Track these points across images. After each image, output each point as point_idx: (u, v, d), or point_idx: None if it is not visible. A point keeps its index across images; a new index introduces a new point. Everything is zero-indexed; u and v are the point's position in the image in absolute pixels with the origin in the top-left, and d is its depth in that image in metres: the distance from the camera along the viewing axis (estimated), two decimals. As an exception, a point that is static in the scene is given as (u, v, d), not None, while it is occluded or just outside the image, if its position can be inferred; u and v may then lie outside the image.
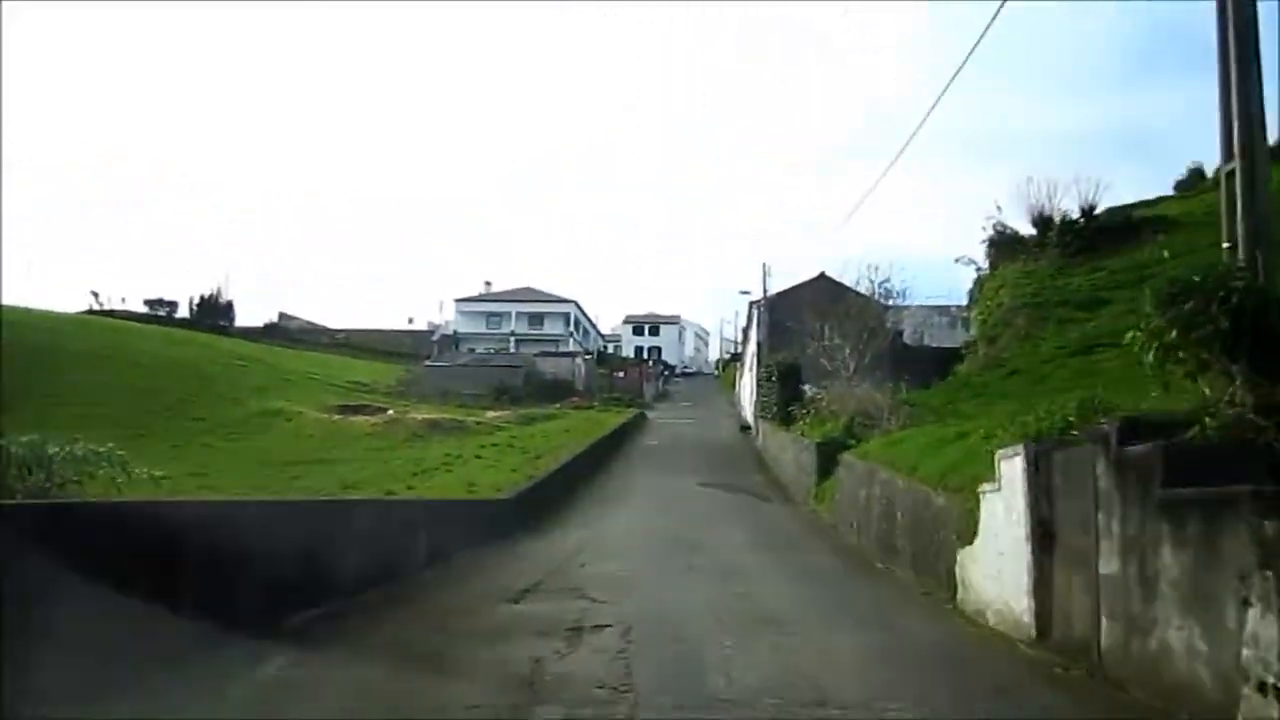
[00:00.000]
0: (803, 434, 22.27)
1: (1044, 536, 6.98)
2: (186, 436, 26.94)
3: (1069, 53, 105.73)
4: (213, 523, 6.97)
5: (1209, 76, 6.45)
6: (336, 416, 34.30)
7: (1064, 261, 35.40)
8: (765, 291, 37.85)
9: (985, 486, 8.12)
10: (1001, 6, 11.63)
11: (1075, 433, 7.19)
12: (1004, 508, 7.66)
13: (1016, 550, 7.34)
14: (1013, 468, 7.43)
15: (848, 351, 29.31)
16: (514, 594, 9.04)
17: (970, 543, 8.50)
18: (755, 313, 39.98)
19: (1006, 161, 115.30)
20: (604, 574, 10.58)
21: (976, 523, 8.33)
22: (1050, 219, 39.14)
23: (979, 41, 12.95)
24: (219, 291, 69.55)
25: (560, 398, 45.53)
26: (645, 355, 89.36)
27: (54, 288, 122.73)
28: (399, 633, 7.21)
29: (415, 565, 10.19)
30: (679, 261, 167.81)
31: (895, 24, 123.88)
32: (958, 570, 8.88)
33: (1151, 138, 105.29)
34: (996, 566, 7.83)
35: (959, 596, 8.82)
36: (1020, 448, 7.28)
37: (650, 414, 46.24)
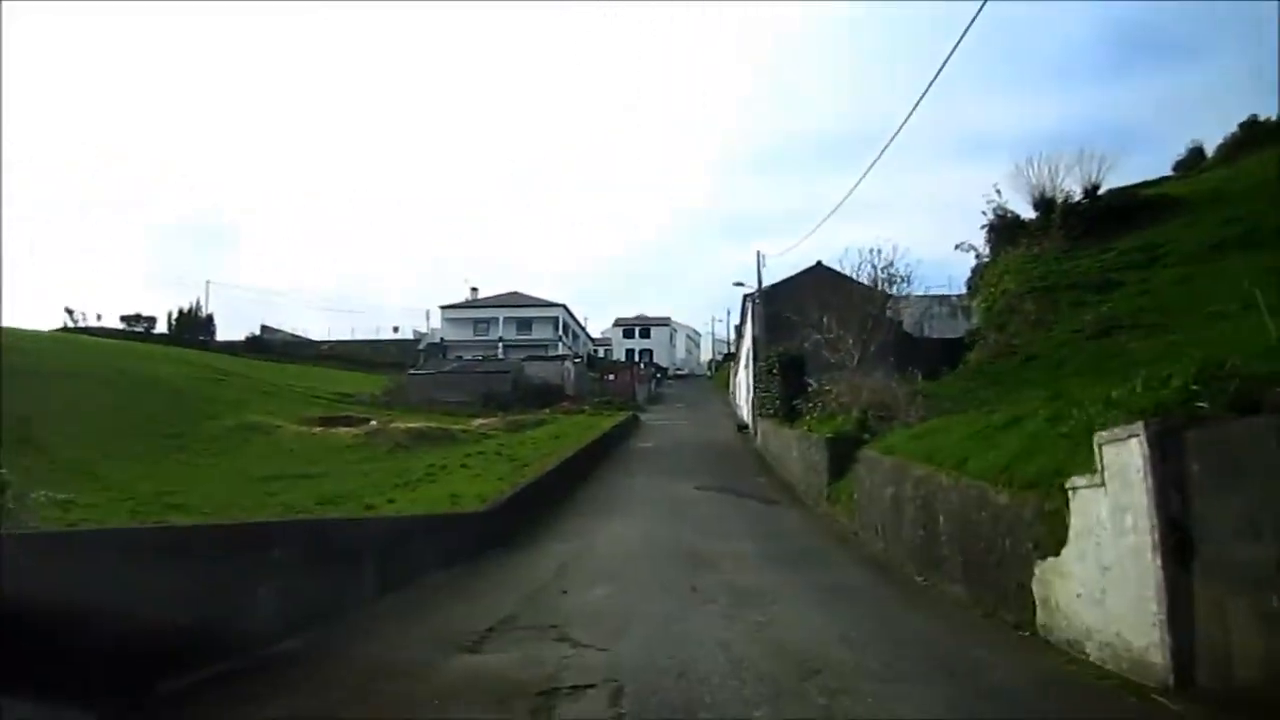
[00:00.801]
0: (810, 430, 20.42)
1: (1178, 545, 5.15)
2: (159, 454, 25.83)
3: (1051, 46, 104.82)
4: (48, 562, 5.07)
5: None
6: (317, 429, 33.19)
7: (1069, 244, 34.09)
8: (760, 282, 36.00)
9: (1077, 480, 6.26)
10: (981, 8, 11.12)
11: (1202, 405, 5.42)
12: (1110, 508, 5.81)
13: (1134, 563, 5.49)
14: (1124, 454, 5.58)
15: (851, 342, 27.71)
16: (474, 637, 7.10)
17: (1055, 553, 6.64)
18: (750, 306, 38.14)
19: (991, 159, 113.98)
20: (590, 603, 8.68)
21: (1065, 527, 6.47)
22: (1052, 201, 37.71)
23: (961, 38, 12.13)
24: (198, 306, 67.96)
25: (550, 403, 43.98)
26: (636, 358, 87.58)
27: (25, 307, 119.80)
28: (304, 706, 5.28)
29: (359, 599, 8.28)
30: (668, 263, 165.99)
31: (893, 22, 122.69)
32: (1036, 587, 7.02)
33: (1135, 129, 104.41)
34: (1099, 584, 5.97)
35: (1039, 621, 6.97)
36: (1136, 427, 5.43)
37: (643, 416, 44.44)
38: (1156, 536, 5.25)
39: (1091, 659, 6.05)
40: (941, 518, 9.63)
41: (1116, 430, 5.70)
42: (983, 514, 8.29)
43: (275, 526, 7.62)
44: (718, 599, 8.76)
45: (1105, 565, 5.89)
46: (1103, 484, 5.89)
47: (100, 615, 5.07)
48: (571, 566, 11.57)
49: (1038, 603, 7.01)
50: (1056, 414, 8.34)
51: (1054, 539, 6.67)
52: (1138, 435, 5.40)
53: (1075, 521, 6.33)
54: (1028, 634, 7.06)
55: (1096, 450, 5.93)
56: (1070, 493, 6.37)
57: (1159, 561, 5.24)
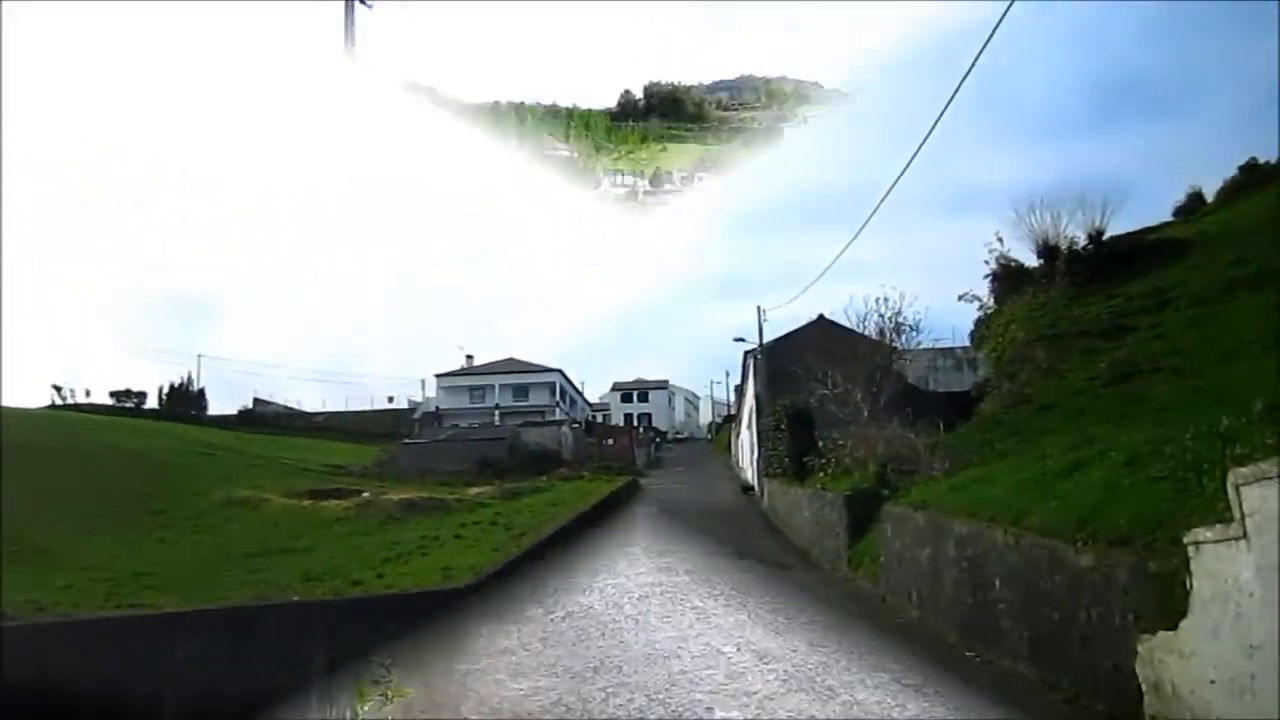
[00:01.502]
0: (824, 487, 19.02)
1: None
2: (141, 532, 24.61)
3: (1034, 104, 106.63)
4: None
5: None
6: (306, 502, 31.94)
7: (1075, 291, 33.26)
8: (761, 338, 34.92)
9: (1202, 533, 4.93)
10: (972, 67, 10.86)
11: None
12: (1258, 567, 4.46)
13: (1304, 642, 4.13)
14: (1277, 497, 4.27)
15: (860, 396, 26.52)
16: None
17: (1169, 626, 5.27)
18: (751, 363, 37.03)
19: (982, 213, 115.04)
20: (585, 696, 7.19)
21: (1184, 593, 5.11)
22: (1056, 248, 36.86)
23: (952, 97, 11.81)
24: (189, 380, 66.77)
25: (548, 469, 42.52)
26: (635, 422, 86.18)
27: (12, 384, 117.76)
28: None
29: (296, 700, 6.81)
30: (665, 326, 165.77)
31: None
32: (1141, 669, 5.60)
33: (1121, 181, 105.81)
34: (1244, 668, 4.59)
35: (1148, 711, 5.54)
36: (1298, 459, 4.13)
37: (643, 481, 42.87)
38: (1340, 606, 3.91)
39: (1241, 767, 4.63)
40: (997, 582, 8.21)
41: (1263, 465, 4.38)
42: (1056, 578, 6.90)
43: (182, 616, 6.18)
44: (744, 684, 7.27)
45: (1254, 644, 4.51)
46: (1243, 536, 4.57)
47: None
48: (567, 646, 10.08)
49: (1145, 688, 5.60)
50: (1134, 456, 7.05)
51: (1166, 609, 5.30)
52: (1303, 470, 4.09)
53: (1201, 586, 4.98)
54: (1133, 729, 5.63)
55: (1232, 493, 4.62)
56: (1191, 549, 5.03)
57: (1347, 640, 3.89)
